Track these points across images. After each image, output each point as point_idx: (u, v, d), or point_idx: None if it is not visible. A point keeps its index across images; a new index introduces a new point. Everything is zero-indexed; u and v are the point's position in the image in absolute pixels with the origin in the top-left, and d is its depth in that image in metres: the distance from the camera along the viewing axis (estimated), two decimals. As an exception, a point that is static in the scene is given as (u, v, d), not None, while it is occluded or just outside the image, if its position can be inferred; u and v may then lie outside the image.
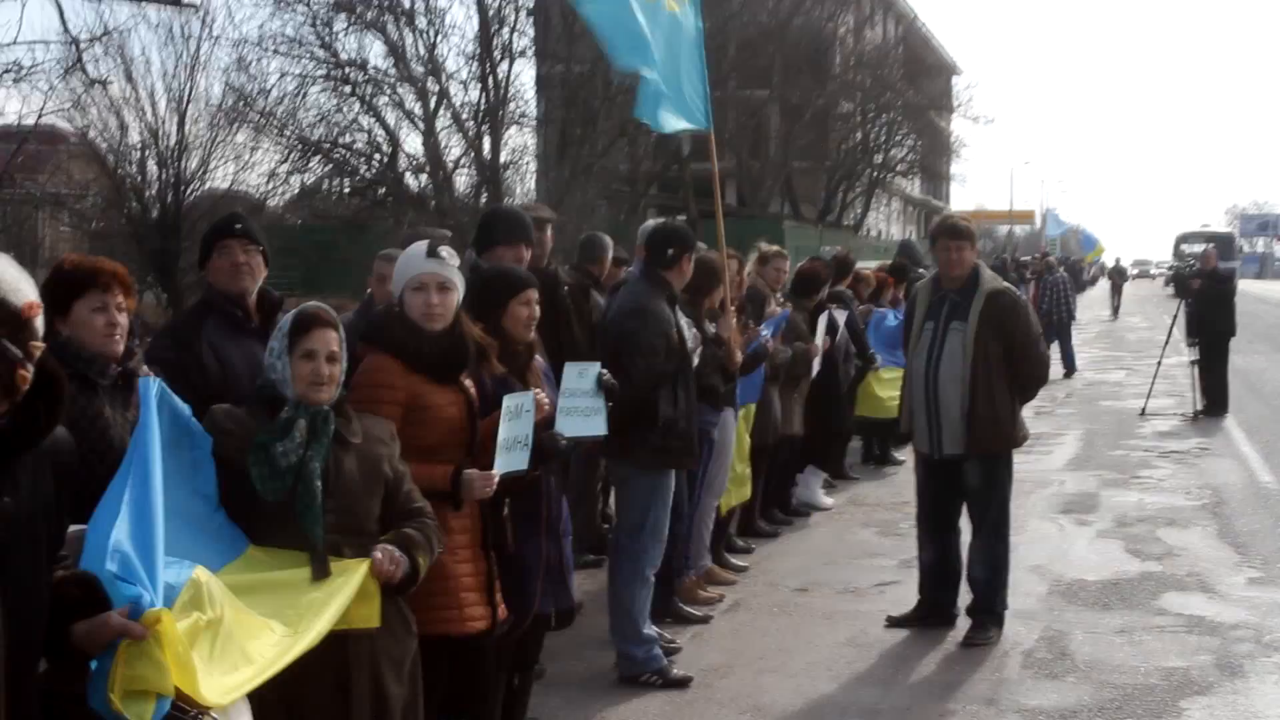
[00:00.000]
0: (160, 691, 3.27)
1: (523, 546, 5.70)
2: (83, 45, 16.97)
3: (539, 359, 6.15)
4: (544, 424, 5.68)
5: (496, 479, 5.24)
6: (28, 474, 2.99)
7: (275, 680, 3.96)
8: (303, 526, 4.31)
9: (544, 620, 5.92)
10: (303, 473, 4.36)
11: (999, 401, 8.32)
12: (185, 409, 4.26)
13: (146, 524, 3.54)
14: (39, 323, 2.96)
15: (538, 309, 6.00)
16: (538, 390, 5.64)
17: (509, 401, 5.31)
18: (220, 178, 29.64)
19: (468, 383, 5.40)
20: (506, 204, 8.19)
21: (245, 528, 4.28)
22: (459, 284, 5.43)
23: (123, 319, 4.62)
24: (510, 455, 5.33)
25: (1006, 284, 8.66)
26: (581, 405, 6.12)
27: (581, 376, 6.18)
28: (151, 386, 4.04)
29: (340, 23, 29.14)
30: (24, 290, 2.93)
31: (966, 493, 8.53)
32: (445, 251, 5.39)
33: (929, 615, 8.69)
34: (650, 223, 8.66)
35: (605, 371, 6.31)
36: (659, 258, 7.87)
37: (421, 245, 5.44)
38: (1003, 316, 8.34)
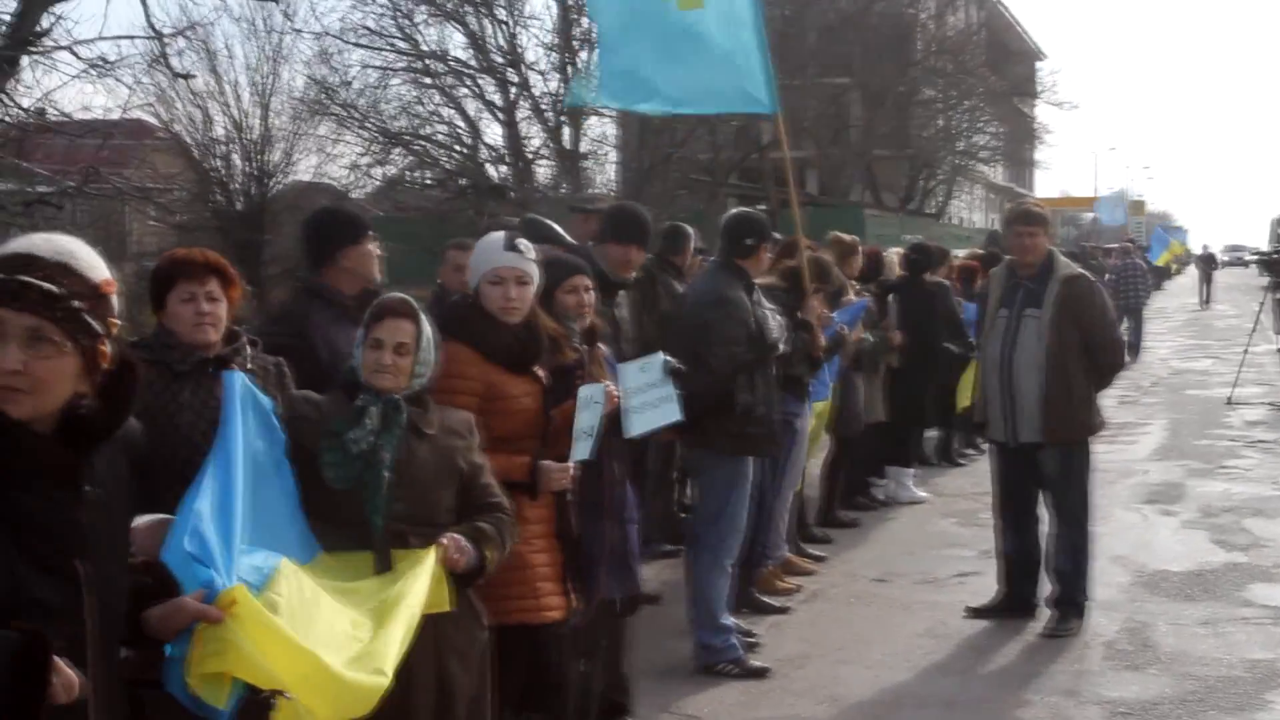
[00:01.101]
0: (237, 674, 3.30)
1: (586, 532, 5.70)
2: (166, 39, 17.14)
3: (603, 347, 6.16)
4: (611, 416, 5.68)
5: (573, 469, 5.27)
6: (104, 463, 3.03)
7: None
8: (367, 514, 4.36)
9: (610, 606, 5.92)
10: (372, 461, 4.41)
11: (1075, 388, 8.25)
12: (269, 406, 4.30)
13: (227, 512, 3.59)
14: (115, 301, 3.00)
15: (588, 296, 5.99)
16: (607, 382, 5.64)
17: (584, 392, 5.33)
18: (303, 170, 29.96)
19: (541, 373, 5.43)
20: (630, 203, 8.16)
21: (310, 516, 4.32)
22: (536, 276, 5.45)
23: (213, 308, 4.70)
24: (581, 445, 5.35)
25: (1082, 270, 8.59)
26: (649, 399, 6.08)
27: (644, 371, 6.12)
28: (236, 381, 4.09)
29: (421, 14, 29.33)
30: (100, 268, 2.98)
31: (1044, 481, 8.46)
32: (523, 244, 5.41)
33: (1009, 606, 8.63)
34: (731, 212, 8.66)
35: (670, 359, 6.28)
36: (737, 247, 7.87)
37: (499, 237, 5.46)
38: (1078, 303, 8.28)
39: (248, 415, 4.03)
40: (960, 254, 17.47)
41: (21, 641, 2.69)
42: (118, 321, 3.00)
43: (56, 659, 2.73)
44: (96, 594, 2.94)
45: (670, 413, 6.18)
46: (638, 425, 5.92)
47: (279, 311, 5.74)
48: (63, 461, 2.88)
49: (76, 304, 2.86)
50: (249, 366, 4.78)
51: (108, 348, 2.94)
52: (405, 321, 4.59)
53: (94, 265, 2.96)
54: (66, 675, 2.75)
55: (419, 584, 4.23)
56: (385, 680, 3.75)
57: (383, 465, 4.42)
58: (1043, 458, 8.38)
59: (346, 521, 4.34)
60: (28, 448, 2.83)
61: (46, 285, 2.83)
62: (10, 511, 2.80)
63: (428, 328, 4.66)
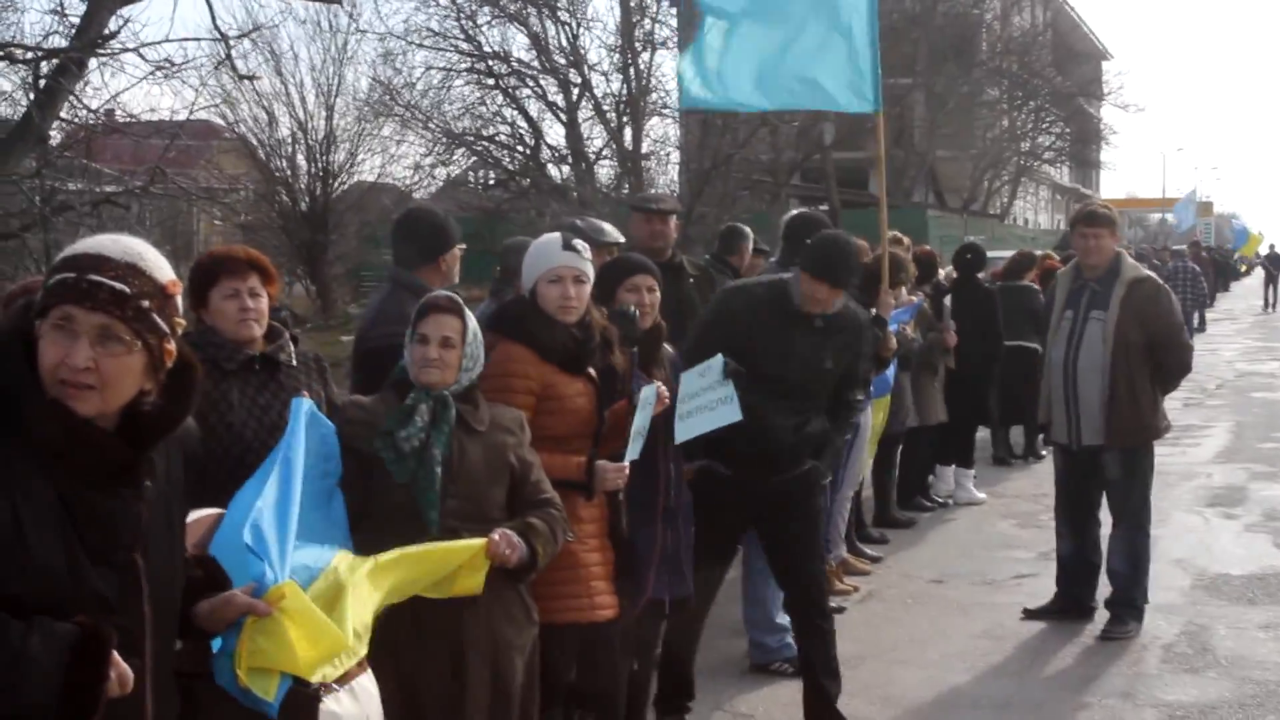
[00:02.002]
0: (284, 669, 3.34)
1: (637, 533, 5.71)
2: (232, 41, 17.31)
3: (667, 347, 6.16)
4: (662, 417, 5.69)
5: (628, 469, 5.29)
6: (163, 460, 3.08)
7: (392, 661, 4.05)
8: (422, 510, 4.40)
9: (660, 607, 5.93)
10: (424, 458, 4.45)
11: (1140, 391, 8.17)
12: (333, 435, 4.36)
13: (284, 513, 3.64)
14: (179, 300, 3.05)
15: (650, 296, 5.95)
16: (659, 384, 5.64)
17: (646, 392, 5.34)
18: (367, 170, 30.21)
19: (594, 373, 5.44)
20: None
21: (367, 519, 4.36)
22: (591, 275, 5.46)
23: (256, 304, 4.74)
24: (634, 445, 5.35)
25: (1149, 272, 8.51)
26: (705, 402, 5.99)
27: (703, 376, 6.03)
28: (302, 406, 4.17)
29: (484, 15, 29.50)
30: (166, 269, 3.03)
31: (1106, 484, 8.39)
32: (579, 244, 5.42)
33: (1067, 607, 8.57)
34: (791, 213, 8.65)
35: (730, 360, 6.26)
36: (799, 247, 7.85)
37: (555, 237, 5.48)
38: (1144, 305, 8.19)
39: (311, 437, 4.10)
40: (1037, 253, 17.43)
41: (82, 635, 2.76)
42: (182, 321, 3.05)
43: (114, 654, 2.79)
44: (154, 587, 3.00)
45: (729, 414, 6.09)
46: (684, 431, 5.85)
47: (377, 311, 5.77)
48: (125, 458, 2.93)
49: (145, 304, 2.91)
50: (292, 362, 4.83)
51: (172, 346, 2.99)
52: (450, 317, 4.63)
53: (160, 266, 3.01)
54: (122, 668, 2.81)
55: (452, 546, 4.30)
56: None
57: (434, 461, 4.45)
58: (1105, 460, 8.31)
59: (402, 520, 4.38)
60: (93, 445, 2.88)
61: (117, 285, 2.88)
62: (74, 506, 2.85)
63: (473, 323, 4.70)
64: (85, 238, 3.08)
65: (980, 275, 13.30)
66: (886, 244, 8.76)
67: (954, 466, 12.66)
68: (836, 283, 6.42)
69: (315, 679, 3.50)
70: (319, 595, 3.65)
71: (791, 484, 6.59)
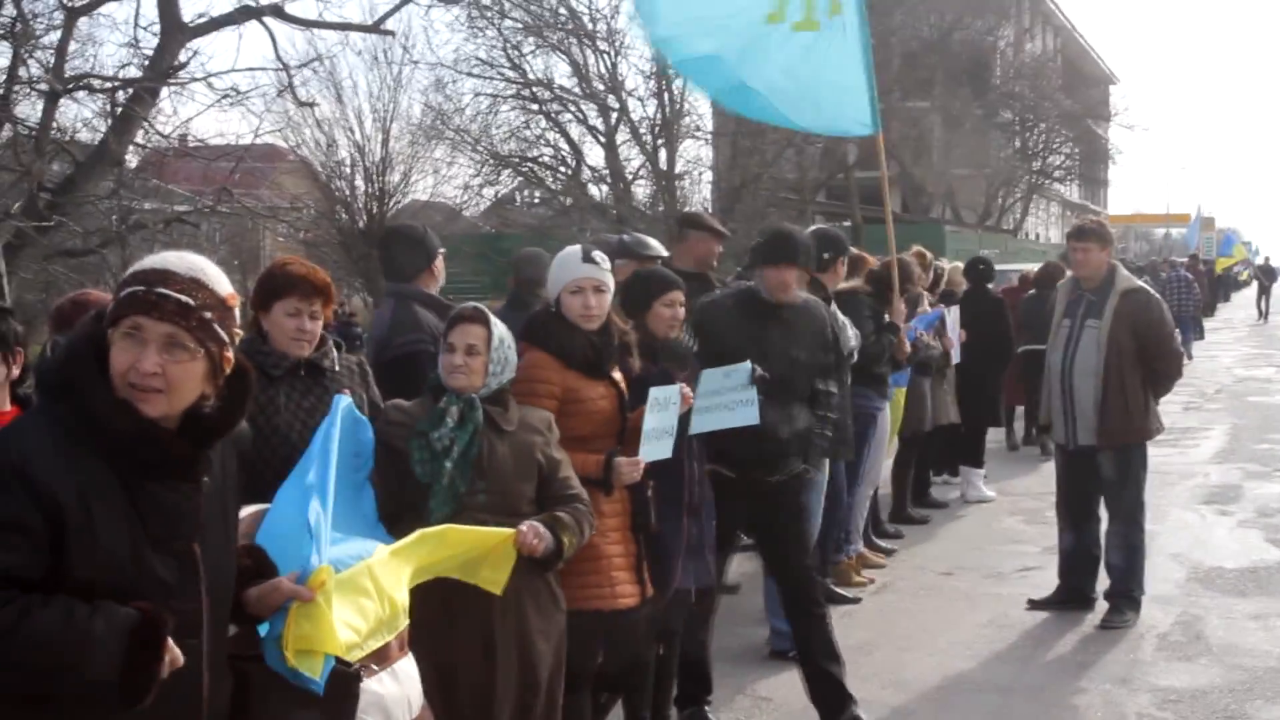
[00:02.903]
0: (327, 650, 3.37)
1: (665, 526, 5.74)
2: (293, 70, 17.46)
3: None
4: (686, 416, 5.72)
5: (643, 465, 5.31)
6: (219, 458, 3.15)
7: (427, 647, 4.09)
8: (429, 499, 4.48)
9: (685, 595, 5.95)
10: (450, 455, 4.51)
11: (1130, 395, 8.17)
12: (369, 433, 4.40)
13: (323, 501, 3.69)
14: (237, 312, 3.12)
15: (682, 310, 6.00)
16: (681, 385, 5.68)
17: (655, 393, 5.37)
18: (420, 190, 30.34)
19: (618, 376, 5.48)
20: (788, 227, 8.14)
21: (404, 510, 4.41)
22: (611, 285, 5.50)
23: (313, 326, 4.77)
24: (657, 444, 5.38)
25: (1141, 284, 8.52)
26: (724, 401, 6.02)
27: (728, 376, 6.05)
28: (340, 403, 4.22)
29: (529, 45, 29.60)
30: (226, 283, 3.10)
31: (1102, 482, 8.37)
32: (599, 256, 5.46)
33: (1069, 598, 8.55)
34: (808, 230, 8.66)
35: (757, 367, 6.29)
36: (817, 262, 7.87)
37: (576, 250, 5.50)
38: (1135, 314, 8.20)
39: (345, 433, 4.14)
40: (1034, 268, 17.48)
41: (141, 619, 2.83)
42: (239, 331, 3.13)
43: (169, 639, 2.86)
44: (210, 575, 3.07)
45: (748, 416, 6.11)
46: (700, 424, 5.88)
47: (392, 324, 5.85)
48: (186, 456, 3.01)
49: (207, 315, 2.99)
50: (335, 369, 4.88)
51: (231, 354, 3.07)
52: (475, 326, 4.69)
53: (220, 280, 3.08)
54: (175, 652, 2.88)
55: (479, 531, 4.34)
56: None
57: (448, 458, 4.51)
58: (1100, 460, 8.30)
59: (416, 519, 4.43)
60: (158, 442, 2.96)
61: (183, 298, 2.96)
62: (139, 499, 2.93)
63: (499, 330, 4.74)
64: (151, 254, 3.16)
65: (989, 285, 13.34)
66: (895, 254, 8.76)
67: (964, 468, 12.67)
68: (794, 261, 6.60)
69: (354, 658, 3.54)
70: (350, 580, 3.69)
71: (786, 484, 6.62)
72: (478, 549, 4.32)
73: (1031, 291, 14.68)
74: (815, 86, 8.20)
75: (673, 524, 5.75)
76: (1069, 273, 9.15)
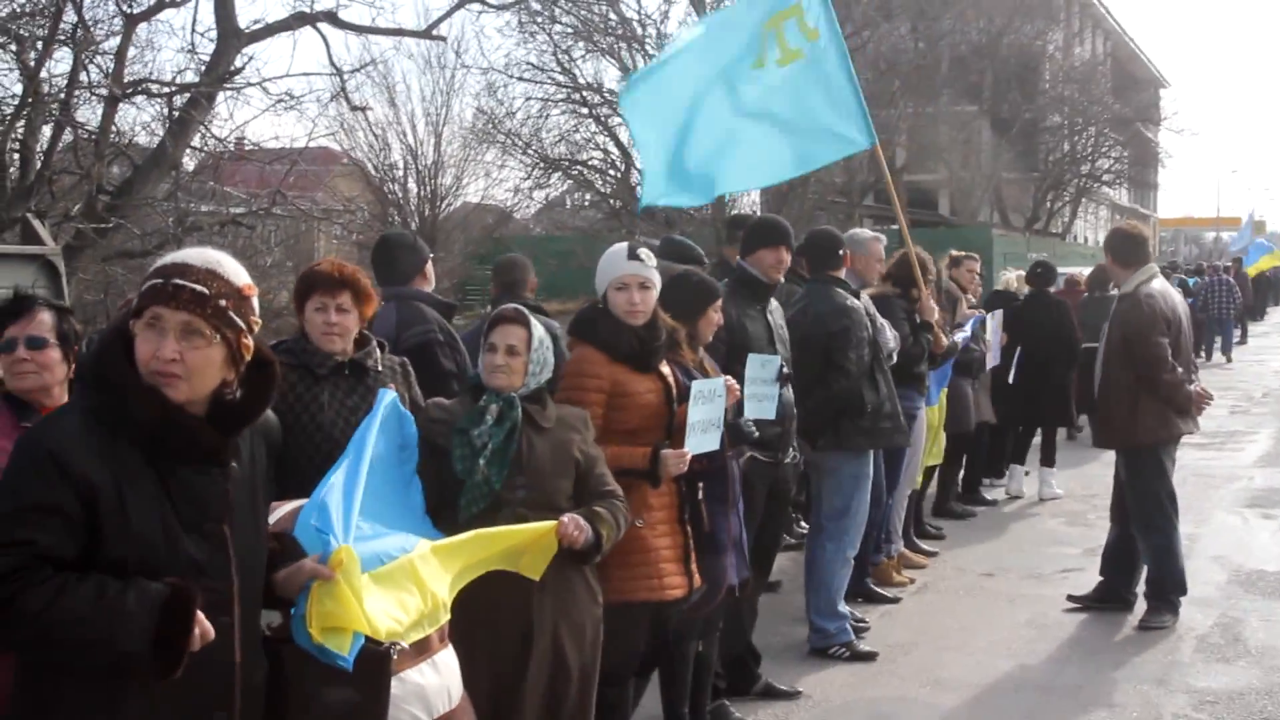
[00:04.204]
0: (351, 626, 3.41)
1: (715, 525, 5.79)
2: (346, 75, 17.58)
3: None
4: (732, 408, 5.76)
5: (689, 456, 5.36)
6: (247, 446, 3.28)
7: (467, 637, 4.15)
8: (461, 494, 4.56)
9: (730, 591, 6.01)
10: (484, 453, 4.58)
11: (1124, 399, 8.22)
12: (413, 426, 4.46)
13: (350, 492, 3.75)
14: (255, 303, 3.23)
15: (719, 317, 6.17)
16: (727, 377, 5.74)
17: (698, 386, 5.42)
18: (471, 193, 30.50)
19: (666, 371, 5.53)
20: (766, 214, 8.19)
21: (445, 508, 4.48)
22: (657, 282, 5.56)
23: (342, 319, 4.85)
24: (705, 436, 5.43)
25: (1139, 286, 8.33)
26: (761, 392, 6.17)
27: (764, 366, 6.22)
28: (385, 397, 4.30)
29: (579, 50, 29.67)
30: (243, 274, 3.23)
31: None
32: (644, 253, 5.53)
33: (1107, 596, 8.55)
34: (809, 232, 8.61)
35: (785, 364, 6.37)
36: (832, 260, 7.90)
37: (622, 248, 5.59)
38: (1124, 318, 8.29)
39: (389, 425, 4.21)
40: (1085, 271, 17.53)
41: (171, 594, 2.96)
42: (258, 320, 3.24)
43: (199, 612, 2.98)
44: (240, 555, 3.19)
45: (767, 410, 6.26)
46: (751, 412, 6.01)
47: (398, 324, 5.97)
48: (213, 441, 3.14)
49: (223, 303, 3.12)
50: (379, 368, 4.96)
51: (249, 341, 3.19)
52: (515, 327, 4.77)
53: (237, 272, 3.21)
54: (205, 625, 3.01)
55: (522, 528, 4.41)
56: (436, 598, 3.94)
57: (483, 455, 4.58)
58: (1117, 462, 8.47)
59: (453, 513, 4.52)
60: (185, 428, 3.09)
61: (198, 287, 3.10)
62: (169, 482, 3.07)
63: (539, 331, 4.81)
64: (172, 252, 3.32)
65: (1050, 289, 13.46)
66: (913, 251, 8.76)
67: (1039, 466, 12.86)
68: (782, 241, 7.01)
69: (384, 638, 3.57)
70: (391, 574, 3.76)
71: (789, 468, 6.84)
72: (521, 543, 4.40)
73: (1085, 294, 15.17)
74: (814, 114, 8.16)
75: (719, 521, 5.81)
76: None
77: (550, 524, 4.48)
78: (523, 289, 8.00)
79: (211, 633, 3.01)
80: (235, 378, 3.19)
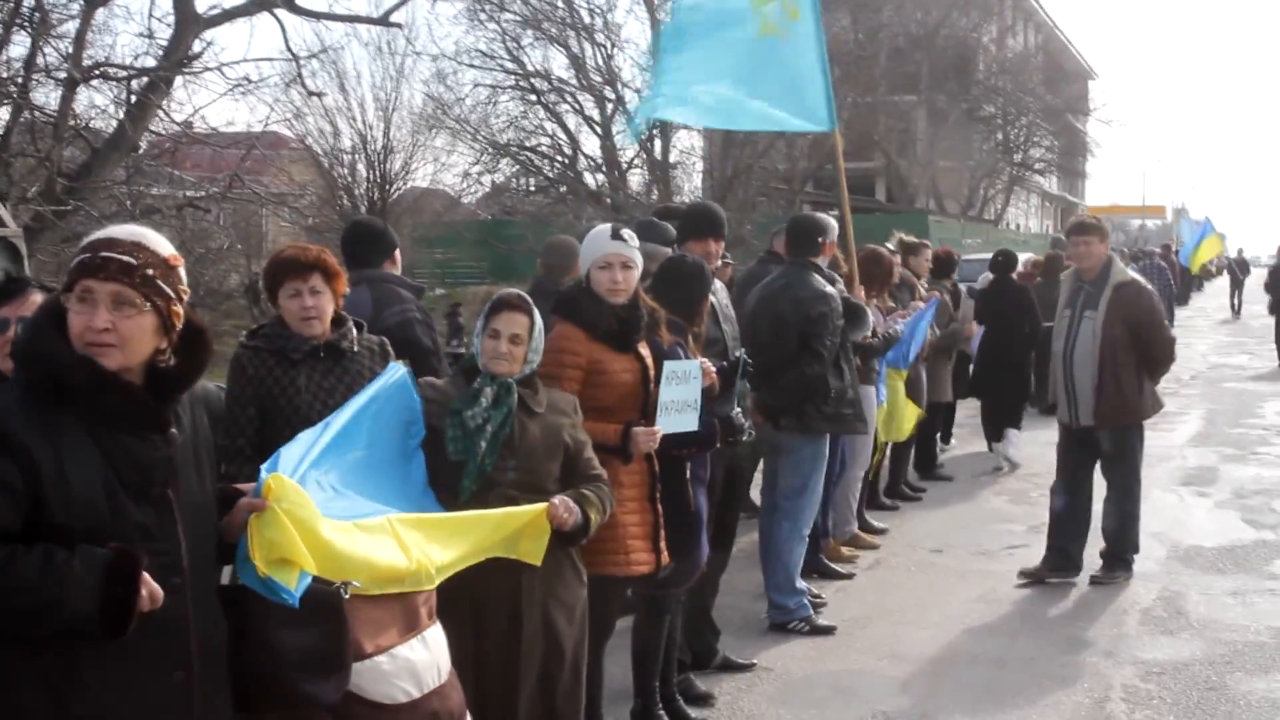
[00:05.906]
0: (291, 557, 3.32)
1: (697, 505, 5.83)
2: (302, 61, 17.46)
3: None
4: (710, 391, 5.76)
5: (659, 434, 5.35)
6: (187, 413, 3.29)
7: (458, 615, 4.14)
8: (463, 475, 4.55)
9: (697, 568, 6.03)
10: (483, 434, 4.58)
11: (1123, 380, 8.48)
12: (418, 401, 4.44)
13: (312, 443, 3.73)
14: (182, 273, 3.25)
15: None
16: (703, 360, 5.76)
17: (670, 367, 5.42)
18: (421, 177, 30.40)
19: (645, 352, 5.53)
20: (702, 202, 8.24)
21: (438, 489, 4.47)
22: (639, 262, 5.55)
23: (317, 301, 4.83)
24: (680, 416, 5.43)
25: (1134, 277, 8.69)
26: (680, 401, 5.63)
27: (683, 375, 5.62)
28: (395, 370, 4.33)
29: (527, 38, 29.63)
30: (168, 246, 3.25)
31: (1101, 458, 8.71)
32: (626, 233, 5.53)
33: (1057, 563, 8.72)
34: (793, 217, 8.69)
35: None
36: (811, 246, 7.93)
37: (606, 228, 5.58)
38: (1128, 304, 8.50)
39: (388, 395, 4.21)
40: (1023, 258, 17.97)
41: (116, 558, 2.98)
42: (186, 290, 3.26)
43: (145, 574, 2.99)
44: (187, 518, 3.20)
45: (687, 422, 5.67)
46: (665, 425, 5.91)
47: (374, 305, 5.94)
48: (149, 407, 3.16)
49: (150, 272, 3.14)
50: (355, 349, 4.94)
51: (179, 309, 3.21)
52: (520, 315, 4.74)
53: (162, 244, 3.24)
54: (152, 586, 3.02)
55: (514, 512, 4.40)
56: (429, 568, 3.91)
57: (482, 436, 4.58)
58: (1100, 437, 8.64)
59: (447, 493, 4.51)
60: (122, 395, 3.11)
61: (125, 258, 3.12)
62: (110, 449, 3.09)
63: (538, 319, 4.81)
64: (98, 230, 3.33)
65: (1013, 275, 13.87)
66: (852, 242, 8.92)
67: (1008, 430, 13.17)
68: (711, 234, 7.00)
69: (334, 577, 3.49)
70: (370, 526, 3.73)
71: (746, 446, 6.81)
72: (514, 526, 4.39)
73: (1038, 280, 15.75)
74: (777, 89, 8.41)
75: (699, 503, 5.83)
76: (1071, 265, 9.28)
77: (541, 506, 4.47)
78: (567, 273, 7.82)
79: (160, 594, 3.02)
80: (169, 346, 3.21)
